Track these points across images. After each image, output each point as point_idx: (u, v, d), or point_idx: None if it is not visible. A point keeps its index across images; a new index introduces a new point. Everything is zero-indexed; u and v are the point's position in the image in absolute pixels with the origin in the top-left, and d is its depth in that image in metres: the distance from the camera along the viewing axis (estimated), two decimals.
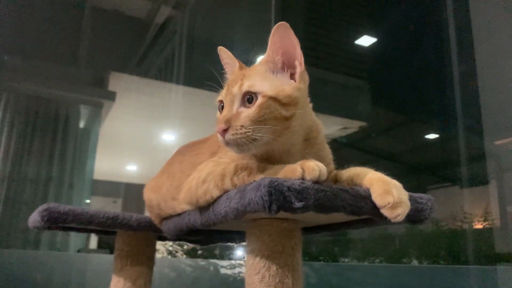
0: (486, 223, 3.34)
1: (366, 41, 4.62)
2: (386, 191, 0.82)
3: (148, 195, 1.33)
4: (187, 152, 1.25)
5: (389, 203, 0.80)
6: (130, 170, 7.60)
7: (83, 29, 5.08)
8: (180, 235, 1.25)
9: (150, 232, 1.44)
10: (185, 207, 1.10)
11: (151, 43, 5.19)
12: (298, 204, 0.77)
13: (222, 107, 0.95)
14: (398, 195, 0.81)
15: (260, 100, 0.88)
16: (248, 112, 0.88)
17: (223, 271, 2.85)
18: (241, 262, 3.01)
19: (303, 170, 0.80)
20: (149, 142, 6.58)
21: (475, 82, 2.71)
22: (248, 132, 0.86)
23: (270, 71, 0.94)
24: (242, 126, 0.86)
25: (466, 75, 2.88)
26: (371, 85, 5.01)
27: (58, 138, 4.72)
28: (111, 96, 5.26)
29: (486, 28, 2.70)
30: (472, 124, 2.87)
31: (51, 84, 4.79)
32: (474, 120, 2.81)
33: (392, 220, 0.81)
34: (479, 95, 2.63)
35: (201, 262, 2.85)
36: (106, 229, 1.45)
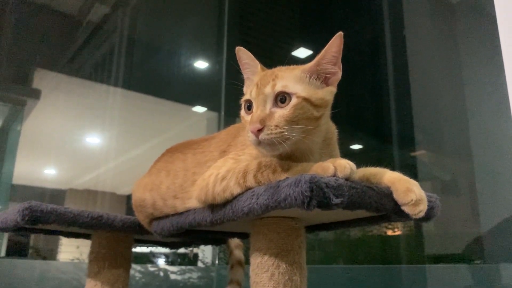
0: (406, 229, 3.67)
1: (302, 53, 4.74)
2: (408, 189, 0.87)
3: (140, 194, 1.28)
4: (187, 150, 1.22)
5: (412, 200, 0.85)
6: (49, 174, 7.08)
7: (6, 20, 4.69)
8: (174, 235, 1.23)
9: (133, 233, 1.40)
10: (194, 204, 1.08)
11: (85, 42, 4.90)
12: (336, 200, 0.80)
13: (248, 106, 0.96)
14: (420, 192, 0.87)
15: (294, 100, 0.90)
16: (283, 112, 0.89)
17: (173, 276, 2.78)
18: (192, 268, 2.97)
19: (335, 168, 0.84)
20: (72, 145, 6.21)
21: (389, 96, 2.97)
22: (283, 131, 0.87)
23: (306, 74, 0.95)
24: (276, 126, 0.88)
25: (396, 90, 3.09)
26: None
27: None
28: (35, 94, 4.90)
29: (420, 49, 2.95)
30: (390, 135, 3.09)
31: None
32: (392, 131, 3.05)
33: (414, 217, 0.86)
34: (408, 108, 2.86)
35: (151, 268, 2.76)
36: (85, 231, 1.37)
